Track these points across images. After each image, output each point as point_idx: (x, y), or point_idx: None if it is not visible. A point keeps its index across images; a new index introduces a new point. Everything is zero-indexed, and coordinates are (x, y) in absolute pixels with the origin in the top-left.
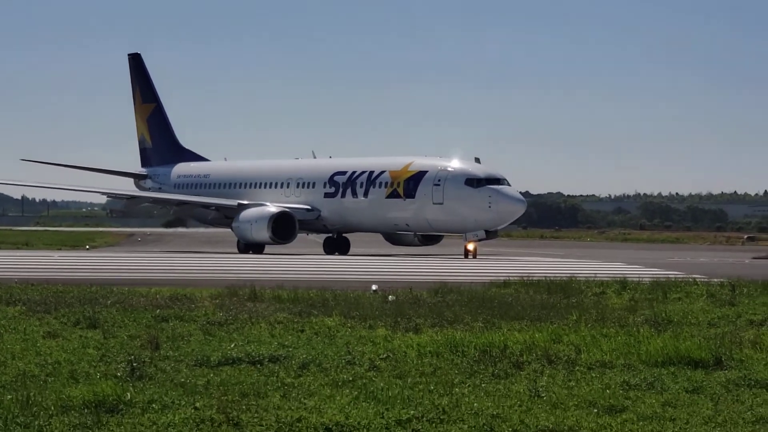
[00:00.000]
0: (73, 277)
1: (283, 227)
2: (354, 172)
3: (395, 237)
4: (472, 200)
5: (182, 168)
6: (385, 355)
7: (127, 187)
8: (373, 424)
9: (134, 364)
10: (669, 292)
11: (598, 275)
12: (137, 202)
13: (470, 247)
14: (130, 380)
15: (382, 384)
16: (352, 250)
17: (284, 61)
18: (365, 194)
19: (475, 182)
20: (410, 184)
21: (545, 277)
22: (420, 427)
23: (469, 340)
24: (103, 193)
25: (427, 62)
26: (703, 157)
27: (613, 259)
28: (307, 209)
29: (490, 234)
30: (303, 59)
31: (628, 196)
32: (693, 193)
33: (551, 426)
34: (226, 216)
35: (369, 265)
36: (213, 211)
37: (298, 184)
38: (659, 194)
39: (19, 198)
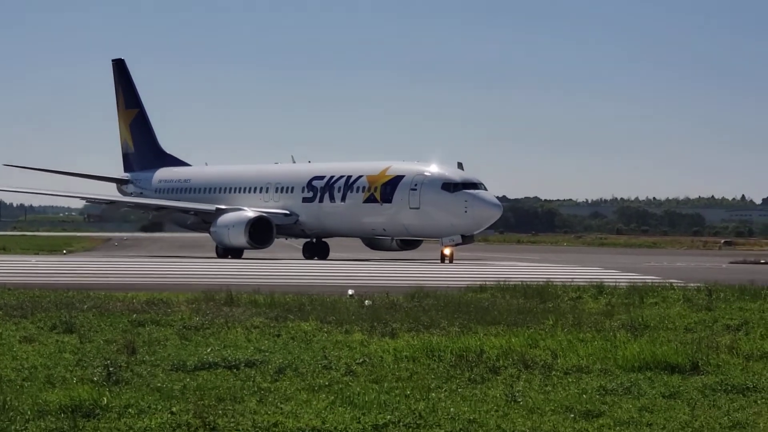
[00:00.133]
0: (49, 282)
1: (261, 232)
2: (332, 177)
3: (374, 242)
4: (448, 205)
5: (164, 173)
6: (361, 360)
7: (110, 192)
8: (349, 429)
9: (111, 369)
10: (646, 296)
11: (574, 280)
12: (116, 207)
13: (447, 251)
14: (106, 385)
15: (358, 389)
16: (331, 254)
17: (266, 65)
18: (343, 199)
19: (451, 187)
20: (387, 188)
21: (522, 281)
22: (397, 431)
23: (446, 344)
24: (83, 198)
25: (402, 66)
26: (680, 161)
27: (590, 263)
28: (285, 214)
29: (467, 239)
30: (284, 62)
31: (605, 201)
32: (670, 198)
33: (528, 431)
34: (205, 221)
35: (346, 269)
36: (192, 215)
37: (276, 189)
38: (636, 198)
39: None
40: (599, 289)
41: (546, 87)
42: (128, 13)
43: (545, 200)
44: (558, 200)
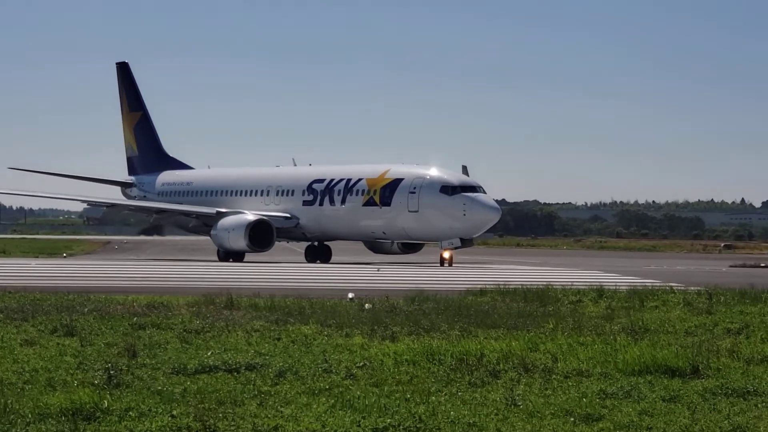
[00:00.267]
0: (50, 285)
1: (261, 235)
2: (332, 180)
3: (376, 245)
4: (447, 208)
5: (166, 176)
6: (361, 364)
7: (115, 195)
8: None
9: (111, 372)
10: (646, 300)
11: (574, 283)
12: (117, 210)
13: (446, 255)
14: (107, 388)
15: (358, 392)
16: (333, 258)
17: (270, 67)
18: (342, 202)
19: (449, 190)
20: (386, 191)
21: (522, 285)
22: None
23: (446, 348)
24: (83, 201)
25: (402, 68)
26: (679, 165)
27: (590, 267)
28: (286, 217)
29: (466, 242)
30: (288, 63)
31: (605, 204)
32: (670, 201)
33: None
34: (206, 224)
35: (346, 273)
36: (193, 219)
37: (277, 192)
38: (636, 202)
39: None
40: (599, 292)
41: (546, 90)
42: (132, 16)
43: (545, 203)
44: (557, 204)
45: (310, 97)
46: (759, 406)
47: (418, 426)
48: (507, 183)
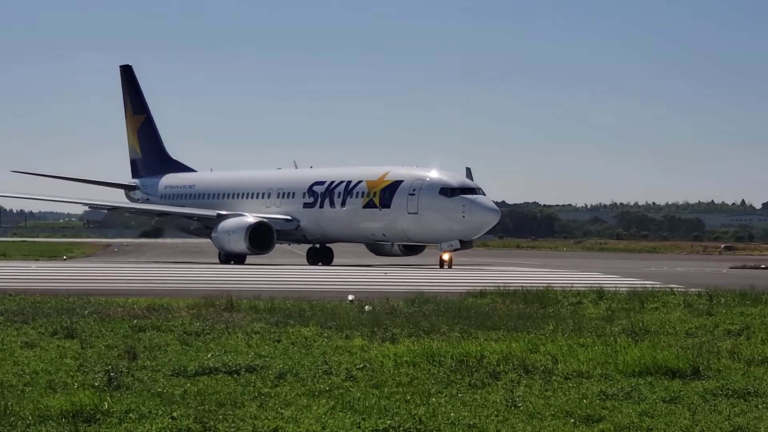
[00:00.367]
0: (50, 288)
1: (261, 238)
2: (332, 182)
3: (377, 247)
4: (446, 210)
5: (169, 179)
6: (361, 365)
7: (118, 198)
8: None
9: (111, 374)
10: (646, 301)
11: (574, 285)
12: (119, 213)
13: (445, 257)
14: (107, 390)
15: (358, 394)
16: (335, 260)
17: (273, 69)
18: (343, 204)
19: (449, 192)
20: (386, 193)
21: (522, 287)
22: None
23: (446, 350)
24: (84, 204)
25: (402, 70)
26: (680, 166)
27: (590, 268)
28: (287, 219)
29: (465, 244)
30: (292, 65)
31: (605, 206)
32: (670, 203)
33: None
34: (207, 226)
35: (346, 275)
36: (195, 221)
37: (278, 195)
38: (636, 204)
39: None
40: (599, 294)
41: (546, 91)
42: (136, 19)
43: (545, 205)
44: (557, 205)
45: (314, 98)
46: (759, 407)
47: (418, 427)
48: (507, 185)
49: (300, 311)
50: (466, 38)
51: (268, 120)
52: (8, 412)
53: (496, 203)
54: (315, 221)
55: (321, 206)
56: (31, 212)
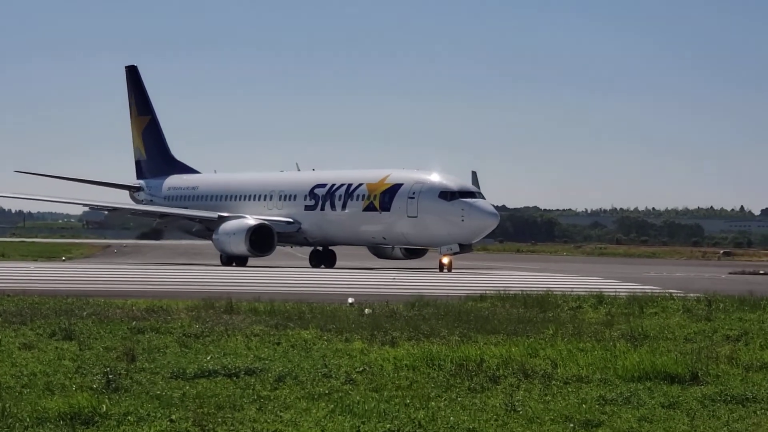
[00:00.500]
0: (49, 289)
1: (262, 240)
2: (333, 185)
3: (380, 250)
4: (445, 213)
5: (173, 180)
6: (361, 369)
7: (123, 199)
8: None
9: (110, 376)
10: (645, 306)
11: (574, 289)
12: (120, 214)
13: (445, 260)
14: (105, 392)
15: (358, 397)
16: (338, 263)
17: (276, 71)
18: (343, 207)
19: (448, 195)
20: (386, 197)
21: (522, 291)
22: None
23: (446, 353)
24: (85, 205)
25: (401, 72)
26: (679, 171)
27: (590, 273)
28: (288, 222)
29: (464, 248)
30: (296, 66)
31: (605, 211)
32: (669, 208)
33: None
34: (208, 228)
35: (346, 278)
36: (197, 223)
37: (280, 197)
38: (636, 209)
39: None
40: (599, 298)
41: (544, 95)
42: (141, 20)
43: (545, 210)
44: (557, 210)
45: (319, 99)
46: (758, 412)
47: (417, 431)
48: (507, 189)
49: (300, 314)
50: (467, 40)
51: (274, 120)
52: (6, 413)
53: (496, 207)
54: (316, 224)
55: (322, 209)
56: (30, 212)
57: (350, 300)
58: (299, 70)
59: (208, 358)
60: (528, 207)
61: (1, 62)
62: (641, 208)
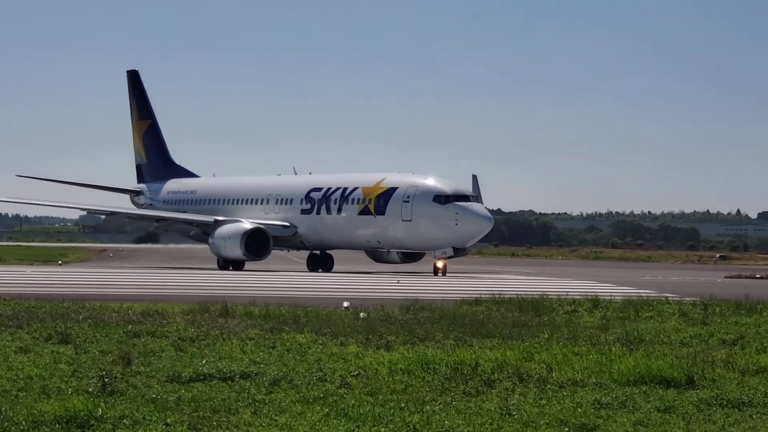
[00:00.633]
0: (45, 293)
1: (258, 244)
2: (329, 189)
3: (377, 254)
4: (439, 217)
5: (173, 184)
6: (356, 372)
7: (123, 203)
8: None
9: (106, 380)
10: (641, 310)
11: (569, 293)
12: (117, 218)
13: (439, 264)
14: (101, 396)
15: (353, 401)
16: (335, 267)
17: (276, 74)
18: (339, 211)
19: (442, 199)
20: (381, 200)
21: (517, 295)
22: None
23: (441, 357)
24: (83, 209)
25: (401, 76)
26: (675, 175)
27: (585, 277)
28: (284, 226)
29: (459, 251)
30: (297, 68)
31: (600, 215)
32: (665, 212)
33: None
34: (205, 232)
35: (341, 282)
36: (194, 227)
37: (276, 201)
38: (631, 212)
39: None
40: (594, 302)
41: (540, 100)
42: (142, 24)
43: (540, 213)
44: (553, 214)
45: (320, 102)
46: (754, 417)
47: None
48: (503, 192)
49: (295, 318)
50: (466, 43)
51: (272, 125)
52: (2, 417)
53: (492, 211)
54: (312, 228)
55: (318, 213)
56: (26, 216)
57: (345, 304)
58: (299, 71)
59: (204, 361)
60: (523, 211)
61: (1, 63)
62: (637, 211)
